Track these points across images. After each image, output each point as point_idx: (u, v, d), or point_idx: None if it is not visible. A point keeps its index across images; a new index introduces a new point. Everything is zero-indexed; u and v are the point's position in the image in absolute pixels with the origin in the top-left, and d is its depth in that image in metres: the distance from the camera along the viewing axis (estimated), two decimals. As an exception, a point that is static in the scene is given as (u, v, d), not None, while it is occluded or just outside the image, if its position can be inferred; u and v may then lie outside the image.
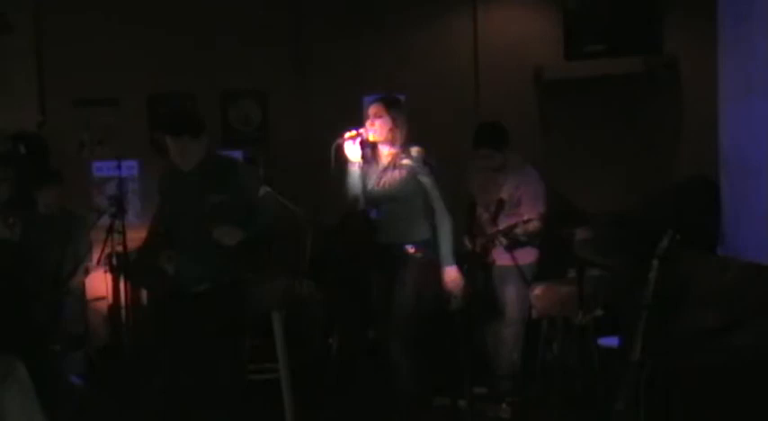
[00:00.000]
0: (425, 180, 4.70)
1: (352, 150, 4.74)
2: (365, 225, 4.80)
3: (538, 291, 5.25)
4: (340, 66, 6.97)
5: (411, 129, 4.79)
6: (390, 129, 4.72)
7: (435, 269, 4.74)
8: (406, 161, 4.72)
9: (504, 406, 5.19)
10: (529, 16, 7.00)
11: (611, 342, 4.65)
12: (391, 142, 4.75)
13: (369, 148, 4.81)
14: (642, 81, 6.61)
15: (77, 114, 6.93)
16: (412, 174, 4.70)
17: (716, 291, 3.97)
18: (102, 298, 6.51)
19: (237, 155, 6.54)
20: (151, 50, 6.94)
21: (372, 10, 7.01)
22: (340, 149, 4.71)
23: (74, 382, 5.62)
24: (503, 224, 5.10)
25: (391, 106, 4.76)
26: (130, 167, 6.84)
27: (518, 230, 5.02)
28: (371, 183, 4.76)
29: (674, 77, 6.64)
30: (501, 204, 5.17)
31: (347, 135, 4.72)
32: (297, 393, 4.78)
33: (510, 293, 5.32)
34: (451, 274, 4.72)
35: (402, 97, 6.79)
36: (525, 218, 5.01)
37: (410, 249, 4.70)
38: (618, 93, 6.63)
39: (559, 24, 6.82)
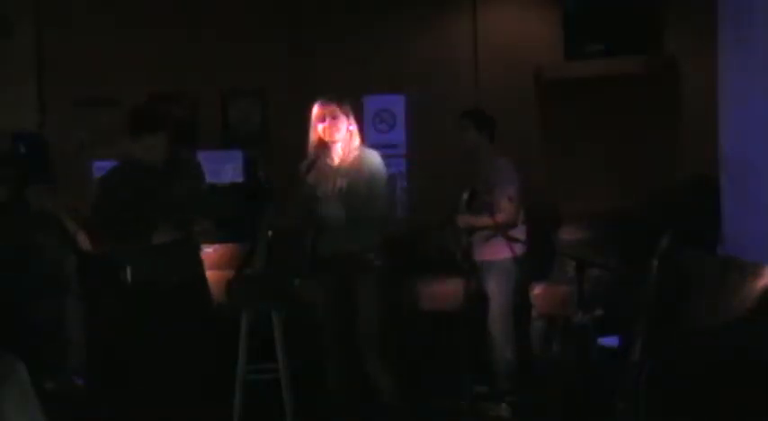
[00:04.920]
0: (381, 183, 4.61)
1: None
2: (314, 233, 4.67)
3: (538, 290, 5.25)
4: (340, 66, 6.97)
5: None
6: (347, 129, 4.61)
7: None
8: (363, 163, 4.60)
9: (504, 405, 5.19)
10: (529, 16, 7.00)
11: (611, 342, 4.65)
12: (348, 142, 4.63)
13: (322, 151, 4.64)
14: (642, 81, 6.61)
15: (77, 114, 6.92)
16: (371, 177, 4.58)
17: (716, 291, 3.97)
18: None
19: (237, 154, 6.55)
20: (151, 50, 6.93)
21: (372, 10, 7.01)
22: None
23: (74, 382, 5.62)
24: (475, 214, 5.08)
25: (344, 105, 4.63)
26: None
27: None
28: (327, 188, 4.61)
29: (674, 77, 6.65)
30: (473, 194, 5.15)
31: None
32: (297, 393, 4.78)
33: (490, 288, 5.30)
34: None
35: (402, 97, 6.91)
36: (496, 216, 4.99)
37: (369, 257, 4.59)
38: (618, 93, 6.63)
39: (559, 24, 6.82)
